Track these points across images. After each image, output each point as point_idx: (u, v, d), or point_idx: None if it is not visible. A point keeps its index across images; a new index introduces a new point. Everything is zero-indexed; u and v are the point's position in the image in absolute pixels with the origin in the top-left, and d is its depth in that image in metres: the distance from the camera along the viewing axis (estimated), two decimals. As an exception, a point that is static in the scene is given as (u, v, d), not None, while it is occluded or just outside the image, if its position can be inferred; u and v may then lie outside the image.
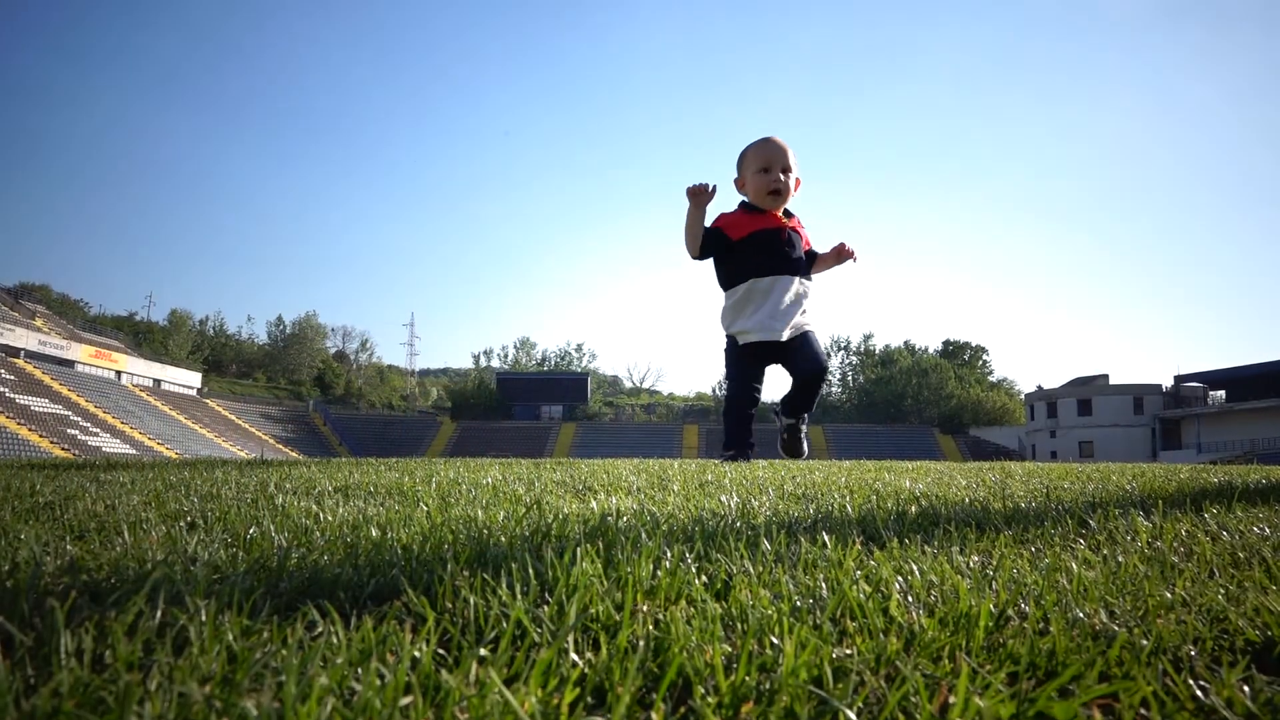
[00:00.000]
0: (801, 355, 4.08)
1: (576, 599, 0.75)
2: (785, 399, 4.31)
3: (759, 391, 4.28)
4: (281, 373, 73.74)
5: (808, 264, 4.29)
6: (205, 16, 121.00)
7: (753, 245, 4.07)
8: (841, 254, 4.28)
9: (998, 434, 59.68)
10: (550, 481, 2.63)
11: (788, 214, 4.23)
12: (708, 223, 4.12)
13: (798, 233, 4.26)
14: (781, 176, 4.11)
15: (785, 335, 4.00)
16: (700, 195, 3.96)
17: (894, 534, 1.24)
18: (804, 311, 4.11)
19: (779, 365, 4.27)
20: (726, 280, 4.19)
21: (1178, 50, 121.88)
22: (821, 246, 4.39)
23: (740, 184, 4.23)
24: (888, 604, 0.78)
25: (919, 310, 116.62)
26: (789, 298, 4.05)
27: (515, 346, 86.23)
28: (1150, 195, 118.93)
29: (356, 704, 0.50)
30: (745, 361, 4.17)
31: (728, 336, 4.27)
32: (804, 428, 4.37)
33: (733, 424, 4.29)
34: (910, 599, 0.81)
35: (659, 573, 0.88)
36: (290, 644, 0.60)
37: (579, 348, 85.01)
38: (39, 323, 49.90)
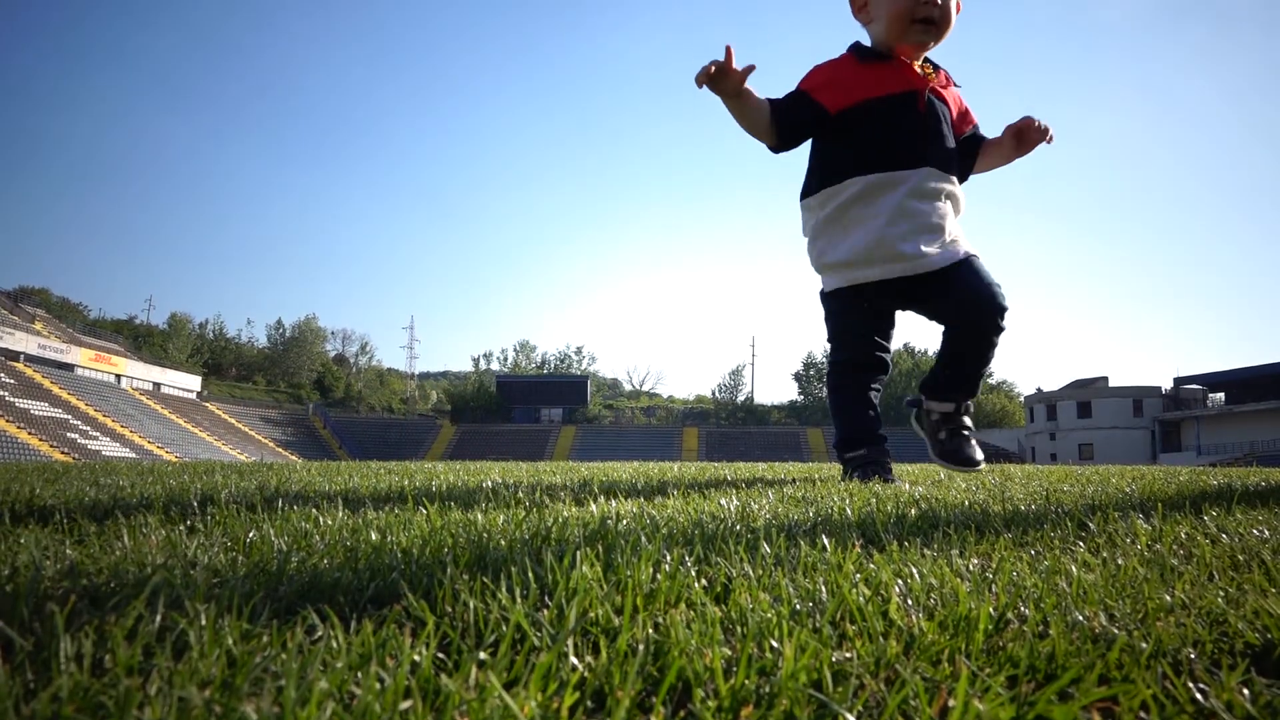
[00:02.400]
0: (961, 290, 2.53)
1: (576, 602, 0.75)
2: (932, 373, 2.75)
3: (885, 353, 2.79)
4: (281, 376, 73.69)
5: (965, 154, 2.73)
6: (205, 18, 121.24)
7: (868, 118, 2.56)
8: (1028, 135, 2.69)
9: (997, 436, 59.65)
10: (550, 484, 2.63)
11: (931, 66, 2.67)
12: (775, 93, 2.56)
13: (943, 99, 2.65)
14: None
15: (926, 263, 2.52)
16: (719, 77, 2.38)
17: (894, 537, 1.24)
18: (955, 230, 2.61)
19: (917, 313, 2.77)
20: (817, 179, 2.68)
21: (1178, 50, 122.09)
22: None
23: (859, 6, 2.66)
24: (887, 607, 0.78)
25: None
26: (927, 206, 2.55)
27: (515, 349, 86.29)
28: (1149, 196, 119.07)
29: (356, 708, 0.50)
30: (856, 311, 2.72)
31: (823, 280, 2.79)
32: (967, 418, 2.76)
33: (845, 408, 2.78)
34: (910, 602, 0.81)
35: (659, 576, 0.88)
36: (290, 648, 0.60)
37: (579, 350, 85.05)
38: (39, 326, 49.87)
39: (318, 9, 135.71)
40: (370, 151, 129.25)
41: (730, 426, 64.87)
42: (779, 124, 2.54)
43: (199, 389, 58.38)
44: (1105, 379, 59.38)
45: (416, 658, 0.60)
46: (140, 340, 64.47)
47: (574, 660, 0.61)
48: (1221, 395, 57.69)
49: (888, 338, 2.82)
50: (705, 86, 2.40)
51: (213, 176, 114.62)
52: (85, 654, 0.58)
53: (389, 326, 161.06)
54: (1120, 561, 1.03)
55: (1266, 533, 1.29)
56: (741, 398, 71.10)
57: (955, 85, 2.74)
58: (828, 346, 2.96)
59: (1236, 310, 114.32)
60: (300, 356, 73.81)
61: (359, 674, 0.57)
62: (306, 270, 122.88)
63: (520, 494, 2.14)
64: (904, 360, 67.18)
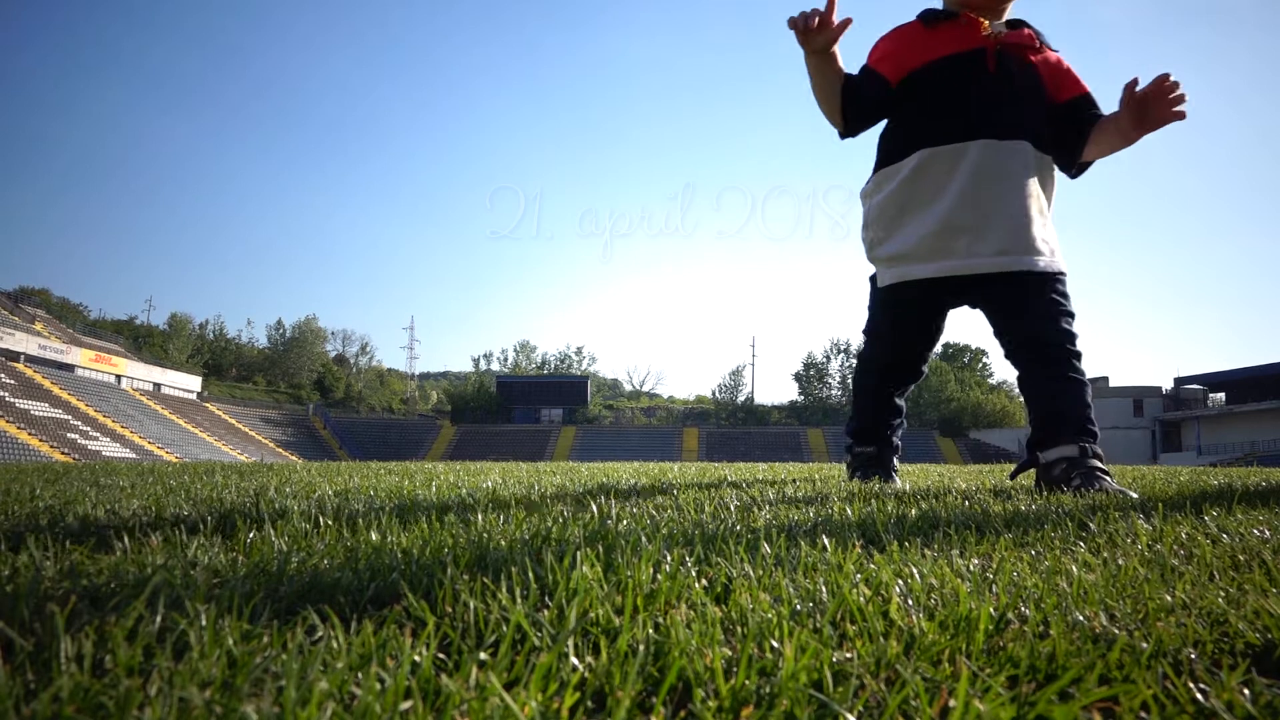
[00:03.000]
0: (1023, 317, 2.21)
1: (576, 603, 0.75)
2: (1031, 419, 2.27)
3: (923, 361, 2.56)
4: (281, 376, 73.72)
5: (1071, 130, 2.28)
6: (205, 19, 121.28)
7: (927, 83, 2.25)
8: (1154, 106, 2.13)
9: (998, 436, 59.63)
10: (550, 485, 2.63)
11: (1014, 24, 2.31)
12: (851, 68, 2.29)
13: (1027, 59, 2.27)
14: None
15: (989, 264, 2.17)
16: (811, 30, 2.15)
17: (894, 537, 1.24)
18: (1035, 223, 2.19)
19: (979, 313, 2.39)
20: (884, 155, 2.39)
21: (1178, 50, 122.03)
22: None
23: None
24: (888, 607, 0.77)
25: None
26: (1000, 189, 2.17)
27: (515, 350, 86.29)
28: (1149, 196, 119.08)
29: (357, 708, 0.50)
30: (903, 310, 2.43)
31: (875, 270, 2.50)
32: (1094, 460, 2.18)
33: (866, 402, 2.66)
34: (910, 602, 0.81)
35: (659, 576, 0.88)
36: (290, 648, 0.60)
37: (579, 351, 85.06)
38: (39, 327, 49.88)
39: (318, 11, 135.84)
40: (370, 151, 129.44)
41: (730, 427, 64.88)
42: (844, 101, 2.27)
43: (199, 389, 58.40)
44: (1105, 379, 59.36)
45: (417, 658, 0.60)
46: (140, 341, 64.50)
47: (574, 660, 0.61)
48: (1222, 395, 57.71)
49: (931, 343, 2.55)
50: (798, 35, 2.18)
51: (213, 177, 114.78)
52: (85, 654, 0.58)
53: (389, 327, 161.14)
54: (1121, 562, 1.03)
55: (1267, 533, 1.29)
56: (741, 398, 71.10)
57: (1051, 48, 2.34)
58: (862, 336, 2.69)
59: (1236, 310, 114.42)
60: (300, 357, 73.83)
61: (359, 674, 0.57)
62: (306, 270, 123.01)
63: (521, 494, 2.14)
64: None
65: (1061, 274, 2.25)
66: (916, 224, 2.25)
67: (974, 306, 2.41)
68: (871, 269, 2.56)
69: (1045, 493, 2.13)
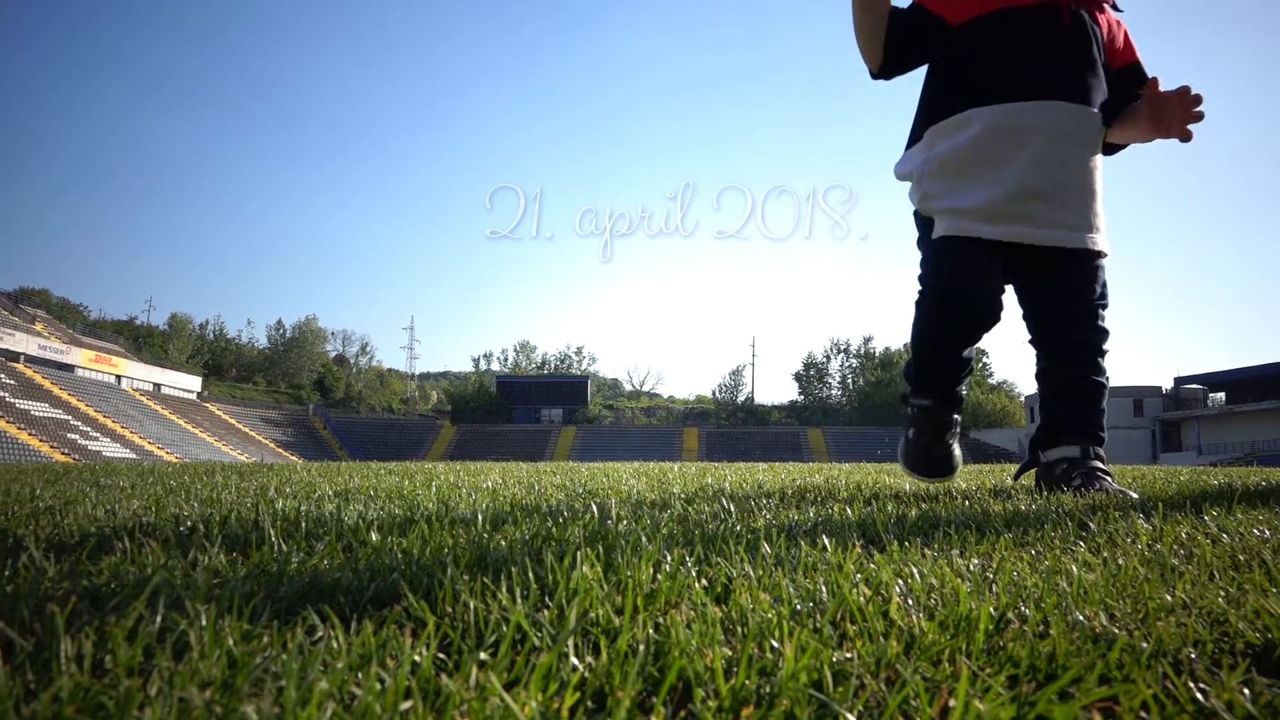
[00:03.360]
0: (1066, 294, 2.16)
1: (576, 603, 0.75)
2: (1043, 414, 2.27)
3: (994, 293, 2.17)
4: (281, 376, 73.74)
5: (1114, 98, 2.16)
6: (205, 19, 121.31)
7: (996, 32, 2.08)
8: (1167, 111, 2.06)
9: (998, 436, 59.63)
10: (550, 485, 2.63)
11: None
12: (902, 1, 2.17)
13: (1095, 17, 2.15)
14: None
15: (1061, 237, 2.07)
16: None
17: (894, 537, 1.24)
18: (1098, 198, 2.13)
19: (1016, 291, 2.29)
20: (928, 115, 2.21)
21: (1178, 50, 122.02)
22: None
23: None
24: (888, 607, 0.78)
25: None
26: (1072, 154, 2.06)
27: (515, 350, 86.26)
28: (1149, 196, 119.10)
29: (357, 708, 0.50)
30: (957, 252, 2.15)
31: (924, 219, 2.28)
32: (1095, 461, 2.20)
33: (926, 343, 2.29)
34: (910, 602, 0.81)
35: (659, 576, 0.88)
36: (290, 649, 0.60)
37: (579, 351, 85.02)
38: (39, 327, 49.90)
39: (318, 11, 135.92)
40: (370, 151, 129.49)
41: (730, 426, 64.90)
42: (889, 36, 2.12)
43: (199, 389, 58.42)
44: (1105, 379, 59.33)
45: (417, 658, 0.60)
46: (140, 341, 64.53)
47: (574, 660, 0.61)
48: (1222, 395, 57.71)
49: (999, 276, 2.20)
50: None
51: (213, 177, 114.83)
52: (86, 654, 0.58)
53: (389, 327, 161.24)
54: (1121, 561, 1.03)
55: (1267, 533, 1.29)
56: (741, 398, 71.12)
57: (1116, 9, 2.22)
58: (919, 274, 2.33)
59: (1236, 310, 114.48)
60: (300, 357, 73.85)
61: (359, 674, 0.57)
62: (306, 270, 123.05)
63: (520, 494, 2.14)
64: (903, 360, 66.92)
65: (1105, 256, 2.19)
66: (985, 184, 2.05)
67: (1012, 281, 2.25)
68: (916, 209, 2.34)
69: (1046, 492, 2.13)
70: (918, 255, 2.34)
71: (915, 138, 2.26)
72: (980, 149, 2.07)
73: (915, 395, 2.37)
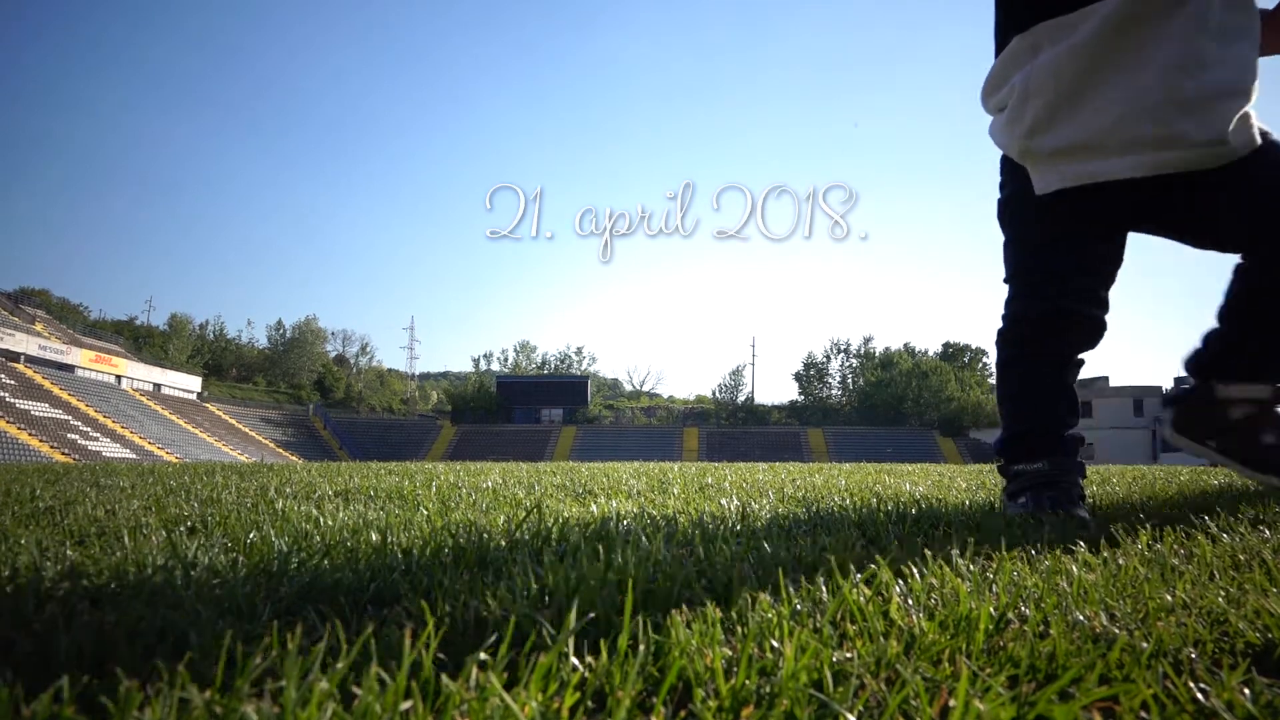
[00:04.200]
0: (1265, 190, 1.58)
1: (576, 603, 0.75)
2: (1221, 341, 1.79)
3: (1103, 307, 1.77)
4: (281, 377, 73.75)
5: None
6: (205, 20, 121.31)
7: None
8: None
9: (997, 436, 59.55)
10: (550, 485, 2.63)
11: None
12: None
13: None
14: None
15: (1229, 151, 1.54)
16: None
17: (894, 537, 1.24)
18: (1253, 92, 1.56)
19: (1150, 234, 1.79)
20: (1028, 11, 1.68)
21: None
22: None
23: None
24: (888, 607, 0.78)
25: (919, 312, 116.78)
26: (1228, 50, 1.54)
27: (515, 350, 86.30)
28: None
29: (357, 708, 0.50)
30: (1078, 229, 1.71)
31: (1011, 168, 1.80)
32: None
33: (1026, 390, 1.85)
34: (910, 602, 0.81)
35: (659, 575, 0.88)
36: (290, 649, 0.60)
37: (579, 351, 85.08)
38: (39, 327, 49.91)
39: (318, 12, 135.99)
40: (370, 151, 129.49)
41: (730, 427, 64.90)
42: None
43: (199, 390, 58.42)
44: (1106, 379, 59.38)
45: (417, 658, 0.60)
46: (140, 341, 64.52)
47: (574, 660, 0.61)
48: (1222, 395, 57.60)
49: (1112, 279, 1.77)
50: None
51: (213, 177, 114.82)
52: (85, 654, 0.58)
53: (389, 327, 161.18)
54: (1121, 561, 1.03)
55: (1267, 533, 1.29)
56: (742, 398, 71.12)
57: None
58: (1006, 289, 1.85)
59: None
60: (300, 357, 73.85)
61: (359, 674, 0.57)
62: (306, 271, 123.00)
63: (521, 494, 2.14)
64: (904, 361, 67.00)
65: (1270, 131, 1.65)
66: (1112, 100, 1.56)
67: (1150, 226, 1.76)
68: (1001, 193, 1.86)
69: (1210, 444, 1.83)
70: (998, 237, 1.75)
71: (1003, 44, 1.74)
72: (1105, 50, 1.56)
73: (1022, 458, 1.82)
